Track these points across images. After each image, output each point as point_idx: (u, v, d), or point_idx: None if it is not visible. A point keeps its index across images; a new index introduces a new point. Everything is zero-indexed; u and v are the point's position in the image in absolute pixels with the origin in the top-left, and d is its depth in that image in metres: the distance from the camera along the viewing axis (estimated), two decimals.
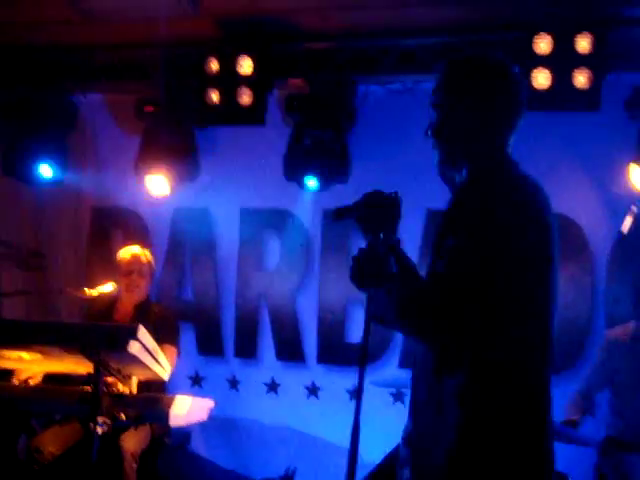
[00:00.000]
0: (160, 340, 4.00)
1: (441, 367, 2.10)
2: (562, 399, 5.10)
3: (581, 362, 5.11)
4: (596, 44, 4.68)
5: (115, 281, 4.69)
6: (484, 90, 2.22)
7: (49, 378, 4.19)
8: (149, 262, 4.98)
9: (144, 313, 4.77)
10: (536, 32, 4.74)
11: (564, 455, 4.68)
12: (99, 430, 3.40)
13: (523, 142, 5.37)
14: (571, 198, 5.24)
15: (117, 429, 3.85)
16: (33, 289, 6.20)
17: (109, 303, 4.92)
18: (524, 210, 2.12)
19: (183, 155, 5.64)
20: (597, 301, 5.20)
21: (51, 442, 4.41)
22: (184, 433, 4.95)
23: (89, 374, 3.46)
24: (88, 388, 3.48)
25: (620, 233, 5.05)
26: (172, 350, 4.65)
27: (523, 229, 2.08)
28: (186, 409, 3.87)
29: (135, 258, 4.91)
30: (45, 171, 5.85)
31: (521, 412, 2.09)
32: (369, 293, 2.18)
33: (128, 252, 4.96)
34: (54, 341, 3.47)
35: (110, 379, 3.63)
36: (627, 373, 4.47)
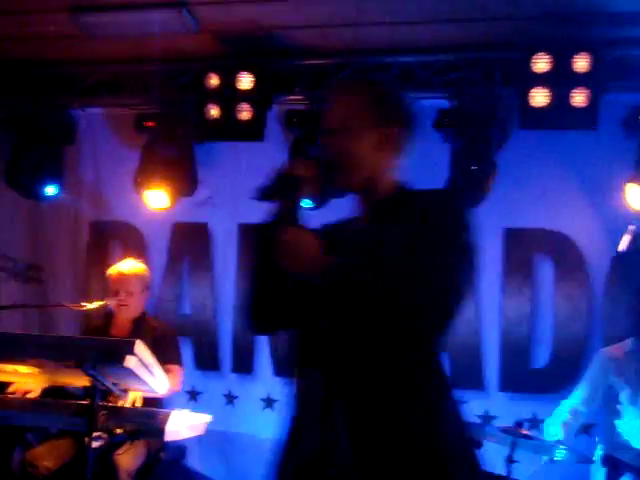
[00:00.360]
0: (165, 359, 4.01)
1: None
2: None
3: (578, 380, 5.11)
4: (594, 64, 4.72)
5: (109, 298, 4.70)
6: None
7: (47, 392, 4.17)
8: (141, 278, 4.92)
9: (141, 328, 4.76)
10: (534, 52, 4.78)
11: (559, 471, 4.74)
12: (94, 444, 3.39)
13: (521, 161, 5.46)
14: (568, 216, 5.28)
15: (113, 444, 3.83)
16: (31, 302, 6.19)
17: (106, 317, 4.92)
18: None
19: (182, 170, 5.65)
20: (594, 320, 5.21)
21: (46, 456, 4.39)
22: (180, 448, 4.93)
23: (85, 388, 3.45)
24: (84, 402, 3.48)
25: (617, 252, 5.07)
26: (178, 369, 4.66)
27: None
28: (182, 424, 3.87)
29: (121, 277, 4.84)
30: (50, 190, 5.90)
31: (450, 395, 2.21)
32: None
33: (115, 270, 4.91)
34: (50, 355, 3.47)
35: (106, 394, 3.62)
36: (622, 389, 4.47)
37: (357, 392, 2.09)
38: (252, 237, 2.24)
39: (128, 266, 4.97)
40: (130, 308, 4.84)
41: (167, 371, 4.14)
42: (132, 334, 4.64)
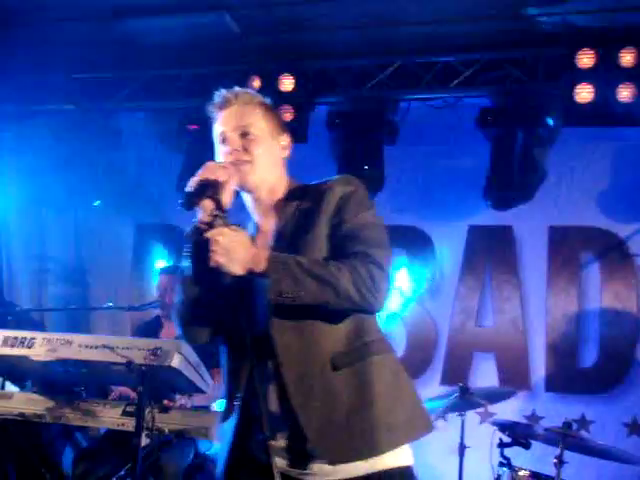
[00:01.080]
0: (211, 362, 4.04)
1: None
2: (608, 416, 5.05)
3: (626, 380, 5.05)
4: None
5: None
6: None
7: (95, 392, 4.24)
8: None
9: None
10: (579, 47, 4.71)
11: (608, 472, 4.68)
12: (143, 444, 3.44)
13: (568, 157, 5.38)
14: (615, 214, 5.19)
15: (161, 443, 3.87)
16: (76, 304, 6.30)
17: (156, 320, 4.98)
18: None
19: None
20: None
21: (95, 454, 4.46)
22: None
23: (134, 388, 3.50)
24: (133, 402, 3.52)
25: None
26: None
27: None
28: (230, 425, 3.88)
29: (168, 278, 4.93)
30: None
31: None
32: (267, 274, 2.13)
33: (163, 272, 5.03)
34: (99, 356, 3.54)
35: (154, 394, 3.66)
36: None
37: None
38: (186, 243, 2.27)
39: (172, 267, 5.04)
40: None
41: (215, 374, 4.18)
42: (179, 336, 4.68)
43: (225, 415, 2.40)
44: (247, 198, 2.45)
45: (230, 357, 2.42)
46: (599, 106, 4.71)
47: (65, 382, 4.08)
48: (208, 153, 6.01)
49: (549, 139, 5.14)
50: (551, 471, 4.05)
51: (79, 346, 3.64)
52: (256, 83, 5.36)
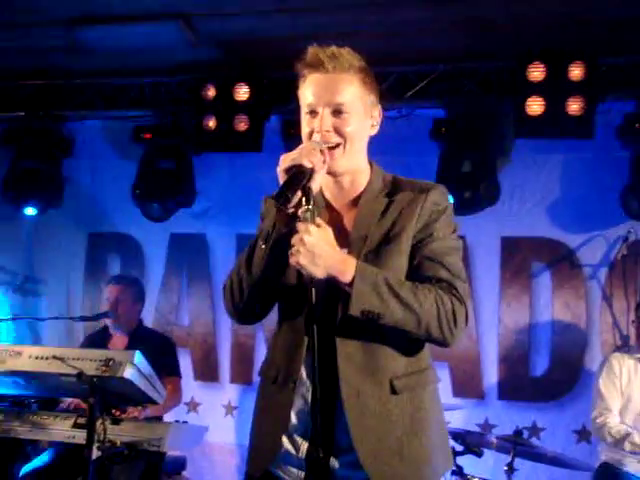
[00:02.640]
0: (164, 371, 4.01)
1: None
2: (559, 424, 5.13)
3: (577, 388, 5.13)
4: (588, 72, 4.74)
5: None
6: None
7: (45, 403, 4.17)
8: (134, 289, 4.99)
9: (139, 339, 4.77)
10: (530, 61, 4.80)
11: (559, 479, 4.74)
12: (94, 456, 3.38)
13: (520, 169, 5.48)
14: (565, 224, 5.29)
15: (112, 456, 3.81)
16: (28, 315, 6.18)
17: (104, 330, 4.94)
18: None
19: (180, 181, 5.67)
20: (592, 327, 5.22)
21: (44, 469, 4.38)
22: (180, 460, 4.92)
23: (85, 400, 3.45)
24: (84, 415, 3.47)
25: (614, 259, 5.10)
26: (177, 381, 4.66)
27: None
28: (182, 435, 3.86)
29: (115, 288, 4.96)
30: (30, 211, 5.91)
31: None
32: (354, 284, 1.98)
33: (110, 281, 5.06)
34: (49, 367, 3.47)
35: (106, 406, 3.61)
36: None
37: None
38: (265, 237, 2.09)
39: (121, 277, 5.03)
40: (125, 319, 4.86)
41: (167, 384, 4.15)
42: (130, 345, 4.64)
43: (272, 384, 2.19)
44: (325, 177, 2.19)
45: (286, 328, 2.21)
46: (550, 118, 4.81)
47: (14, 394, 4.01)
48: (162, 162, 6.01)
49: (504, 151, 5.23)
50: (503, 479, 4.11)
51: (29, 357, 3.56)
52: (211, 92, 5.35)
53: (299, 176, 1.97)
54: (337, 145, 2.09)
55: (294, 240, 1.98)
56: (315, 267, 1.97)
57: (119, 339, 4.88)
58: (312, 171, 2.00)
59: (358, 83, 2.12)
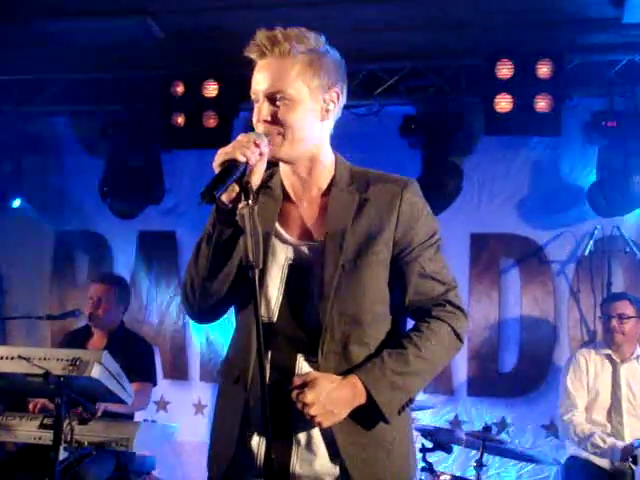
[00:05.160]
0: (135, 376, 3.98)
1: None
2: (527, 419, 5.18)
3: (546, 384, 5.18)
4: (556, 70, 4.78)
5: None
6: None
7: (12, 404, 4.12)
8: (119, 289, 4.89)
9: (117, 341, 4.68)
10: (498, 59, 4.83)
11: (526, 473, 4.79)
12: (61, 457, 3.35)
13: (488, 165, 5.51)
14: (533, 220, 5.33)
15: (80, 456, 3.78)
16: None
17: (85, 329, 4.86)
18: None
19: (148, 178, 5.62)
20: (560, 323, 5.27)
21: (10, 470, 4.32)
22: (149, 459, 4.88)
23: (51, 400, 3.41)
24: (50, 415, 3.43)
25: (581, 255, 5.15)
26: (147, 386, 4.60)
27: None
28: (151, 434, 3.83)
29: (98, 287, 4.82)
30: (15, 202, 5.84)
31: None
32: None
33: (94, 280, 4.95)
34: (16, 367, 3.43)
35: (73, 405, 3.57)
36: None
37: None
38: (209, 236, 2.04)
39: (107, 276, 4.95)
40: (105, 319, 4.77)
41: (136, 388, 4.12)
42: (109, 346, 4.56)
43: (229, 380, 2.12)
44: (282, 166, 2.12)
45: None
46: (518, 116, 4.84)
47: None
48: (131, 158, 5.95)
49: (471, 147, 5.26)
50: (472, 475, 4.13)
51: None
52: (180, 88, 5.31)
53: (231, 171, 1.87)
54: (277, 135, 1.99)
55: (299, 402, 1.91)
56: (339, 416, 1.94)
57: (99, 339, 4.80)
58: (247, 165, 1.90)
59: (301, 67, 2.00)
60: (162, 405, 5.80)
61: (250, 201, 1.90)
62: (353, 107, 5.39)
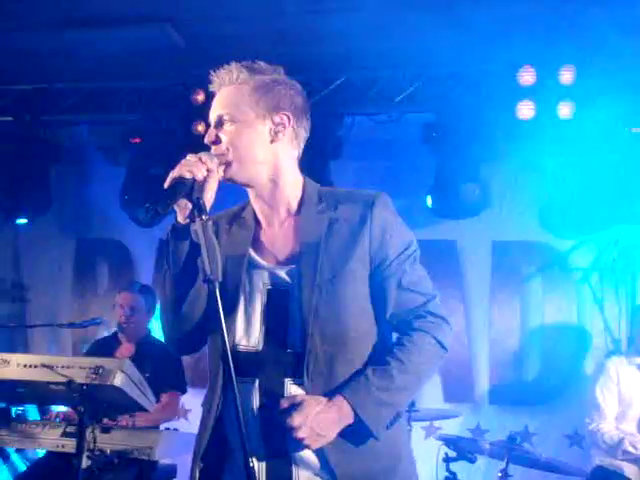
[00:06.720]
0: (164, 386, 3.97)
1: None
2: (550, 428, 5.12)
3: (568, 392, 5.13)
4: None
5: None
6: None
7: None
8: (146, 299, 4.89)
9: (144, 351, 4.69)
10: (520, 65, 4.80)
11: None
12: (84, 465, 3.35)
13: (510, 172, 5.43)
14: (555, 228, 5.29)
15: (102, 464, 3.78)
16: (16, 321, 6.13)
17: (114, 338, 4.89)
18: None
19: None
20: (583, 332, 5.22)
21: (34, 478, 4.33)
22: (171, 467, 4.87)
23: (74, 408, 3.41)
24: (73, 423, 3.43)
25: (605, 263, 5.08)
26: (176, 397, 4.61)
27: None
28: (173, 443, 3.83)
29: (127, 296, 4.85)
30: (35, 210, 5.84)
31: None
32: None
33: (122, 289, 4.97)
34: (39, 375, 3.43)
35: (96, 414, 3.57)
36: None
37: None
38: (164, 251, 2.11)
39: (136, 285, 4.99)
40: (135, 328, 4.78)
41: (167, 399, 4.12)
42: (136, 355, 4.57)
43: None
44: (249, 193, 2.19)
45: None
46: (540, 122, 4.81)
47: (3, 403, 3.97)
48: (151, 167, 5.97)
49: (491, 155, 5.22)
50: None
51: (17, 365, 3.52)
52: (200, 97, 5.32)
53: (178, 188, 1.95)
54: (222, 156, 2.07)
55: (289, 427, 1.94)
56: (327, 438, 1.97)
57: (126, 347, 4.81)
58: (194, 181, 1.96)
59: (248, 90, 2.11)
60: (183, 413, 5.79)
61: (204, 217, 1.96)
62: (373, 114, 5.40)
